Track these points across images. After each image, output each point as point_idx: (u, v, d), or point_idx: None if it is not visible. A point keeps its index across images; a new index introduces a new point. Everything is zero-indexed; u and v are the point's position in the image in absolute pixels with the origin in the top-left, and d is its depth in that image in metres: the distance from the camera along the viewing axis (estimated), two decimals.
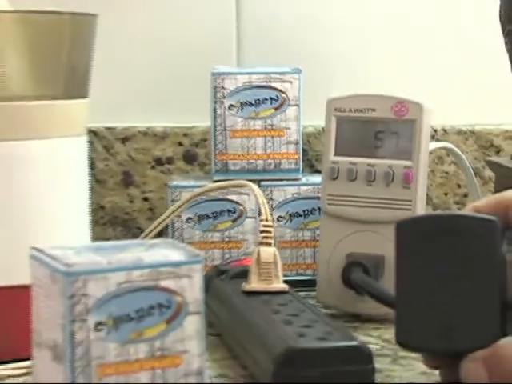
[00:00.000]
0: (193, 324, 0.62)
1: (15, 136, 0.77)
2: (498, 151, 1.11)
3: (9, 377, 0.74)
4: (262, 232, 0.82)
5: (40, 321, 0.64)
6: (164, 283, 0.62)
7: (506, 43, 0.96)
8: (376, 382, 0.68)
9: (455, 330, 0.69)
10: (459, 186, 1.12)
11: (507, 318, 0.70)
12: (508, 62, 0.96)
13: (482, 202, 0.73)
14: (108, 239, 1.13)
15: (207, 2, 1.17)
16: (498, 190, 0.97)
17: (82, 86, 0.83)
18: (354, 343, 0.68)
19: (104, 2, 1.07)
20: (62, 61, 0.81)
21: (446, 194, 1.13)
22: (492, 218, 0.70)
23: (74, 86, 0.82)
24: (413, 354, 0.76)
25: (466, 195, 1.12)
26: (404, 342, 0.71)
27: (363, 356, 0.68)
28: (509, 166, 0.95)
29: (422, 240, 0.71)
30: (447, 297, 0.69)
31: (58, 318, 0.61)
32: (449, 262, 0.70)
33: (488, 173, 1.08)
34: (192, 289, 0.62)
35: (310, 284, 0.94)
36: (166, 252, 0.64)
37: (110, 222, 1.16)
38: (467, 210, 0.74)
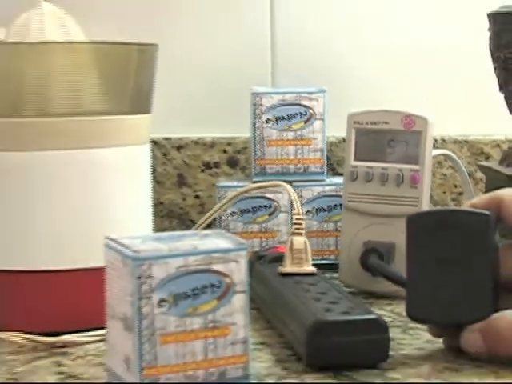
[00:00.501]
0: (239, 301, 0.62)
1: (92, 144, 0.77)
2: (487, 157, 1.10)
3: (87, 343, 0.75)
4: (294, 224, 0.82)
5: (113, 297, 0.64)
6: (215, 267, 0.62)
7: (495, 68, 0.95)
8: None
9: (456, 305, 0.69)
10: (455, 186, 1.12)
11: (498, 295, 0.70)
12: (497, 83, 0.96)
13: (478, 199, 0.73)
14: (165, 230, 1.13)
15: (247, 34, 1.17)
16: (487, 189, 0.97)
17: (146, 103, 0.83)
18: (372, 316, 0.68)
19: (163, 33, 1.07)
20: (130, 83, 0.81)
21: (444, 193, 1.12)
22: (487, 212, 0.70)
23: (140, 103, 0.82)
24: (420, 326, 0.75)
25: (461, 193, 1.11)
26: (414, 316, 0.71)
27: (380, 327, 0.68)
28: (496, 169, 0.94)
29: (428, 231, 0.71)
30: (449, 278, 0.69)
31: (127, 296, 0.61)
32: (451, 249, 0.70)
33: (479, 175, 1.07)
34: (238, 271, 0.62)
35: (333, 267, 0.94)
36: (216, 241, 0.64)
37: (168, 216, 1.16)
38: (466, 206, 0.73)
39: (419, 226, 0.71)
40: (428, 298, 0.70)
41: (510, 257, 0.71)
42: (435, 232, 0.70)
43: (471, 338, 0.69)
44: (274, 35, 1.16)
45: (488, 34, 0.95)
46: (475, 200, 0.73)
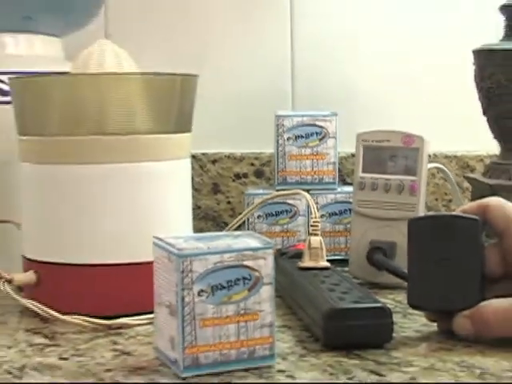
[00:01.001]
0: (266, 291, 0.62)
1: (143, 159, 0.77)
2: (472, 170, 1.10)
3: (138, 325, 0.74)
4: (311, 226, 0.82)
5: (160, 287, 0.64)
6: (246, 262, 0.61)
7: (479, 96, 0.95)
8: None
9: (449, 295, 0.69)
10: (446, 193, 1.11)
11: (485, 286, 0.69)
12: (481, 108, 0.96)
13: (468, 206, 0.73)
14: (202, 230, 1.13)
15: (272, 67, 1.16)
16: (473, 196, 0.97)
17: (187, 124, 0.83)
18: (378, 304, 0.68)
19: (203, 65, 1.07)
20: (174, 107, 0.80)
21: (436, 200, 1.12)
22: (476, 217, 0.70)
23: (182, 124, 0.81)
24: (418, 312, 0.74)
25: (450, 200, 1.11)
26: (413, 304, 0.71)
27: (385, 313, 0.67)
28: (480, 180, 0.94)
29: (426, 232, 0.70)
30: (444, 272, 0.69)
31: (172, 286, 0.61)
32: (445, 247, 0.69)
33: (466, 185, 1.06)
34: (266, 266, 0.62)
35: (343, 262, 0.93)
36: (247, 240, 0.63)
37: (204, 218, 1.16)
38: (457, 212, 0.73)
39: (419, 228, 0.71)
40: (425, 289, 0.70)
41: (493, 254, 0.70)
42: (432, 233, 0.70)
43: (461, 322, 0.68)
44: (293, 68, 1.16)
45: (473, 67, 0.95)
46: (466, 206, 0.73)
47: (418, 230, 0.71)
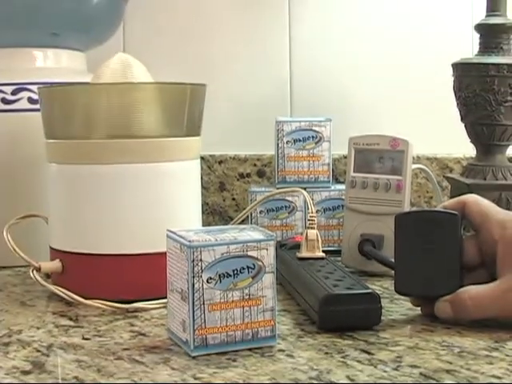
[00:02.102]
0: (268, 279, 0.61)
1: (157, 160, 0.76)
2: (451, 170, 1.09)
3: (153, 309, 0.74)
4: (308, 220, 0.80)
5: (172, 275, 0.63)
6: (250, 253, 0.61)
7: (457, 104, 0.94)
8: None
9: (432, 282, 0.68)
10: (427, 191, 1.10)
11: (463, 274, 0.69)
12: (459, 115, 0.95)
13: (448, 202, 0.73)
14: (210, 224, 1.12)
15: (272, 77, 1.15)
16: (451, 194, 0.96)
17: (197, 128, 0.82)
18: (368, 291, 0.67)
19: (211, 75, 1.06)
20: (185, 113, 0.79)
21: (419, 197, 1.11)
22: (454, 212, 0.69)
23: (192, 128, 0.81)
24: (404, 298, 0.74)
25: (431, 198, 1.10)
26: (400, 290, 0.71)
27: (375, 299, 0.67)
28: (458, 179, 0.93)
29: (411, 225, 0.70)
30: (427, 261, 0.68)
31: (183, 274, 0.60)
32: (428, 239, 0.69)
33: (445, 184, 1.06)
34: (268, 257, 0.61)
35: (336, 253, 0.92)
36: (251, 233, 0.63)
37: (211, 213, 1.15)
38: (439, 207, 0.73)
39: (405, 221, 0.70)
40: (410, 276, 0.69)
41: (470, 245, 0.70)
42: (416, 226, 0.69)
43: (442, 306, 0.68)
44: (292, 78, 1.15)
45: (452, 78, 0.94)
46: (446, 203, 0.72)
47: (404, 224, 0.70)
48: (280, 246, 0.86)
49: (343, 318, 0.65)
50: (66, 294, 0.75)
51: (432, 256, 0.68)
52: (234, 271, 0.60)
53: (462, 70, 0.92)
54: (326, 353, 0.61)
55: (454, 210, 0.70)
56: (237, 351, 0.61)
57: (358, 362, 0.59)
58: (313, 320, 0.68)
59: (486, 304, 0.66)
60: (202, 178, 0.95)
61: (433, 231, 0.69)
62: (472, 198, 0.71)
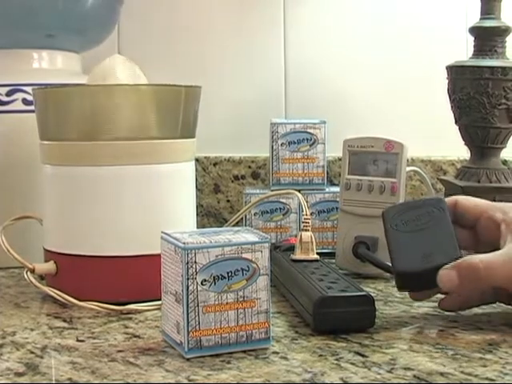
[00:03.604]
0: (263, 281, 0.61)
1: (152, 161, 0.76)
2: (445, 173, 1.09)
3: (147, 310, 0.74)
4: (303, 222, 0.80)
5: (166, 277, 0.63)
6: (245, 255, 0.61)
7: (451, 106, 0.94)
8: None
9: (432, 255, 0.67)
10: (422, 194, 1.10)
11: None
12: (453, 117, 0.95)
13: None
14: (204, 226, 1.12)
15: (266, 80, 1.15)
16: (446, 197, 0.96)
17: (192, 130, 0.82)
18: (363, 293, 0.67)
19: (206, 77, 1.06)
20: (179, 115, 0.79)
21: (413, 199, 1.10)
22: (440, 197, 0.72)
23: (187, 130, 0.81)
24: (397, 299, 0.74)
25: None
26: (401, 270, 0.68)
27: (369, 301, 0.67)
28: (452, 182, 0.94)
29: (398, 214, 0.71)
30: (422, 238, 0.69)
31: (178, 276, 0.60)
32: (419, 222, 0.69)
33: (439, 186, 1.05)
34: (263, 259, 0.61)
35: (330, 255, 0.92)
36: (245, 235, 0.62)
37: (206, 215, 1.15)
38: None
39: (392, 213, 0.71)
40: (408, 255, 0.68)
41: (463, 238, 0.70)
42: (404, 215, 0.70)
43: (446, 273, 0.65)
44: (287, 80, 1.15)
45: (447, 81, 0.94)
46: None
47: (391, 216, 0.71)
48: (274, 248, 0.85)
49: (337, 320, 0.65)
50: (60, 296, 0.75)
51: (426, 235, 0.68)
52: (228, 273, 0.60)
53: (456, 73, 0.92)
54: (320, 355, 0.61)
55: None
56: (231, 353, 0.61)
57: (352, 364, 0.59)
58: (307, 322, 0.68)
59: (497, 267, 0.65)
60: (196, 179, 0.95)
61: (421, 215, 0.69)
62: (461, 196, 0.73)
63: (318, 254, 0.80)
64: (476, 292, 0.69)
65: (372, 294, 0.67)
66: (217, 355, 0.60)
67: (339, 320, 0.65)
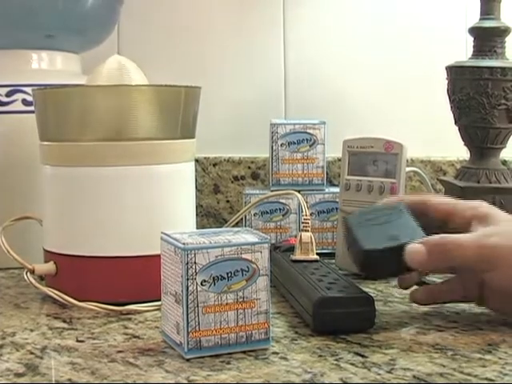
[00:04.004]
0: (262, 281, 0.61)
1: (152, 162, 0.76)
2: (445, 173, 1.09)
3: (147, 311, 0.74)
4: (302, 223, 0.80)
5: (166, 277, 0.63)
6: (245, 256, 0.61)
7: (451, 107, 0.94)
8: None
9: (397, 238, 0.67)
10: None
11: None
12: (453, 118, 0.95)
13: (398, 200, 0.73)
14: (204, 226, 1.12)
15: (266, 80, 1.15)
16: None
17: (191, 131, 0.82)
18: (362, 294, 0.67)
19: (205, 77, 1.06)
20: (179, 115, 0.79)
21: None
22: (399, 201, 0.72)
23: (187, 131, 0.81)
24: (396, 299, 0.74)
25: None
26: (366, 248, 0.67)
27: (368, 302, 0.67)
28: (452, 182, 0.94)
29: (358, 219, 0.71)
30: (389, 226, 0.68)
31: (177, 277, 0.60)
32: (381, 220, 0.69)
33: (439, 186, 1.05)
34: (262, 259, 0.61)
35: (330, 255, 0.92)
36: (245, 236, 0.63)
37: (206, 215, 1.15)
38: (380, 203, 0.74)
39: (351, 220, 0.71)
40: (375, 236, 0.68)
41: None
42: (365, 218, 0.70)
43: (414, 247, 0.65)
44: (286, 80, 1.15)
45: (446, 81, 0.94)
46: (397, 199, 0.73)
47: (352, 218, 0.71)
48: (274, 248, 0.85)
49: (337, 320, 0.65)
50: (59, 297, 0.75)
51: (391, 226, 0.68)
52: (228, 274, 0.60)
53: (455, 73, 0.92)
54: (320, 355, 0.61)
55: (415, 209, 0.70)
56: (231, 354, 0.61)
57: (352, 364, 0.59)
58: (307, 323, 0.68)
59: (467, 246, 0.65)
60: (196, 180, 0.95)
61: (383, 215, 0.69)
62: (428, 196, 0.73)
63: (317, 254, 0.80)
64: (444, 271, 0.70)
65: (372, 295, 0.68)
66: (216, 356, 0.60)
67: (339, 320, 0.65)
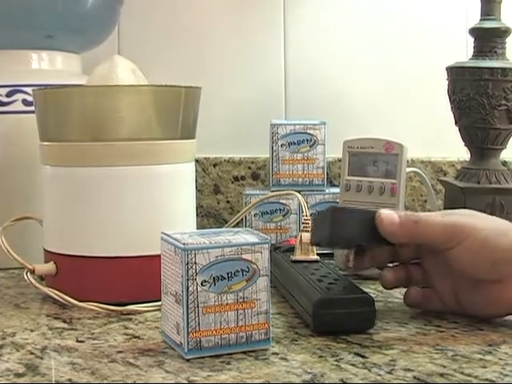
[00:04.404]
0: (263, 282, 0.61)
1: (152, 162, 0.76)
2: (445, 174, 1.09)
3: (147, 311, 0.74)
4: (303, 223, 0.80)
5: (166, 277, 0.63)
6: (245, 256, 0.61)
7: (451, 107, 0.94)
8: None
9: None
10: (421, 195, 1.10)
11: None
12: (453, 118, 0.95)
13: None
14: (204, 226, 1.12)
15: (267, 81, 1.16)
16: (445, 197, 0.96)
17: (192, 131, 0.82)
18: (363, 294, 0.68)
19: (206, 78, 1.06)
20: (180, 116, 0.79)
21: (413, 200, 1.11)
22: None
23: (187, 131, 0.81)
24: (396, 300, 0.74)
25: (425, 201, 1.10)
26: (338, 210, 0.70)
27: (369, 302, 0.67)
28: (452, 183, 0.94)
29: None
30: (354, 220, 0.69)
31: (178, 277, 0.60)
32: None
33: (439, 187, 1.06)
34: (262, 259, 0.61)
35: (330, 255, 0.92)
36: (245, 236, 0.63)
37: (206, 216, 1.15)
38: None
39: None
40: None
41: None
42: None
43: (387, 212, 0.68)
44: (286, 80, 1.15)
45: (446, 82, 0.94)
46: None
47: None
48: (274, 248, 0.85)
49: (337, 321, 0.65)
50: (59, 297, 0.75)
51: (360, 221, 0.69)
52: (228, 274, 0.60)
53: (456, 74, 0.92)
54: (320, 356, 0.61)
55: (402, 236, 0.68)
56: (231, 354, 0.61)
57: (352, 365, 0.59)
58: (307, 323, 0.68)
59: (436, 222, 0.67)
60: (196, 180, 0.95)
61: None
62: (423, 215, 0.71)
63: (317, 254, 0.80)
64: (413, 248, 0.71)
65: (372, 295, 0.68)
66: (217, 356, 0.60)
67: (339, 321, 0.65)
